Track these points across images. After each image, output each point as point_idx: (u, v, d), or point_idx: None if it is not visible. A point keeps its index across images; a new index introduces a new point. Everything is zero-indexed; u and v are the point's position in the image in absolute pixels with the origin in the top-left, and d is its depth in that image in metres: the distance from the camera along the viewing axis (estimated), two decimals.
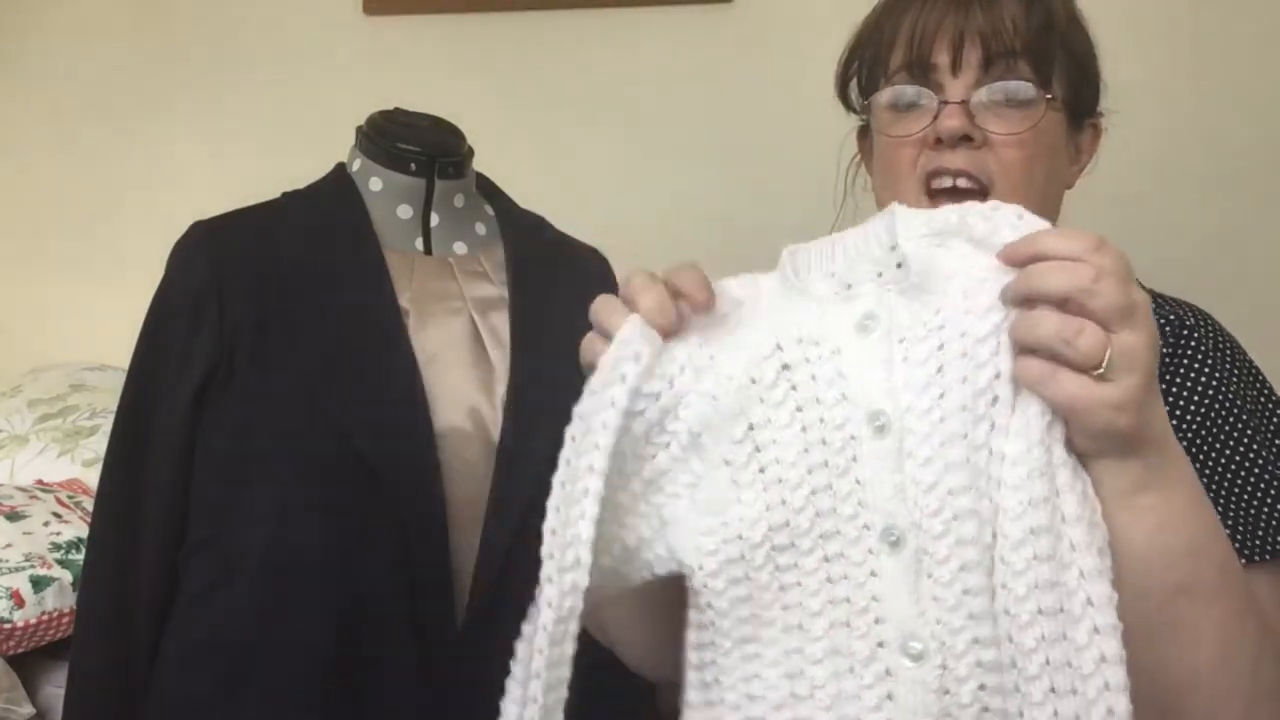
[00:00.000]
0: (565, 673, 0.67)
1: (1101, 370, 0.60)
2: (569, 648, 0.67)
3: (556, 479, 0.69)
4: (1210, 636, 0.66)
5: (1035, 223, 0.64)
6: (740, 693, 0.69)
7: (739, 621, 0.68)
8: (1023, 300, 0.62)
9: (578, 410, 0.68)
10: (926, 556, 0.64)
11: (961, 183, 0.85)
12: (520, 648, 0.70)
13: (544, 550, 0.68)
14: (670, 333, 0.69)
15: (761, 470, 0.68)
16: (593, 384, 0.68)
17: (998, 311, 0.64)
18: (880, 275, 0.68)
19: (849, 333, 0.68)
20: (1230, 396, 0.84)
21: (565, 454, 0.69)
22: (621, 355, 0.68)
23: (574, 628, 0.67)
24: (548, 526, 0.68)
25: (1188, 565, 0.65)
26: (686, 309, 0.69)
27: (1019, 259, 0.62)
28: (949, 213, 0.66)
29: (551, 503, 0.68)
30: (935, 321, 0.65)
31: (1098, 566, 0.61)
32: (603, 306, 0.71)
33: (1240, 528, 0.79)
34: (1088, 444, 0.63)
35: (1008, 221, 0.65)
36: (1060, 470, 0.62)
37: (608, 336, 0.70)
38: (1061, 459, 0.63)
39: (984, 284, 0.64)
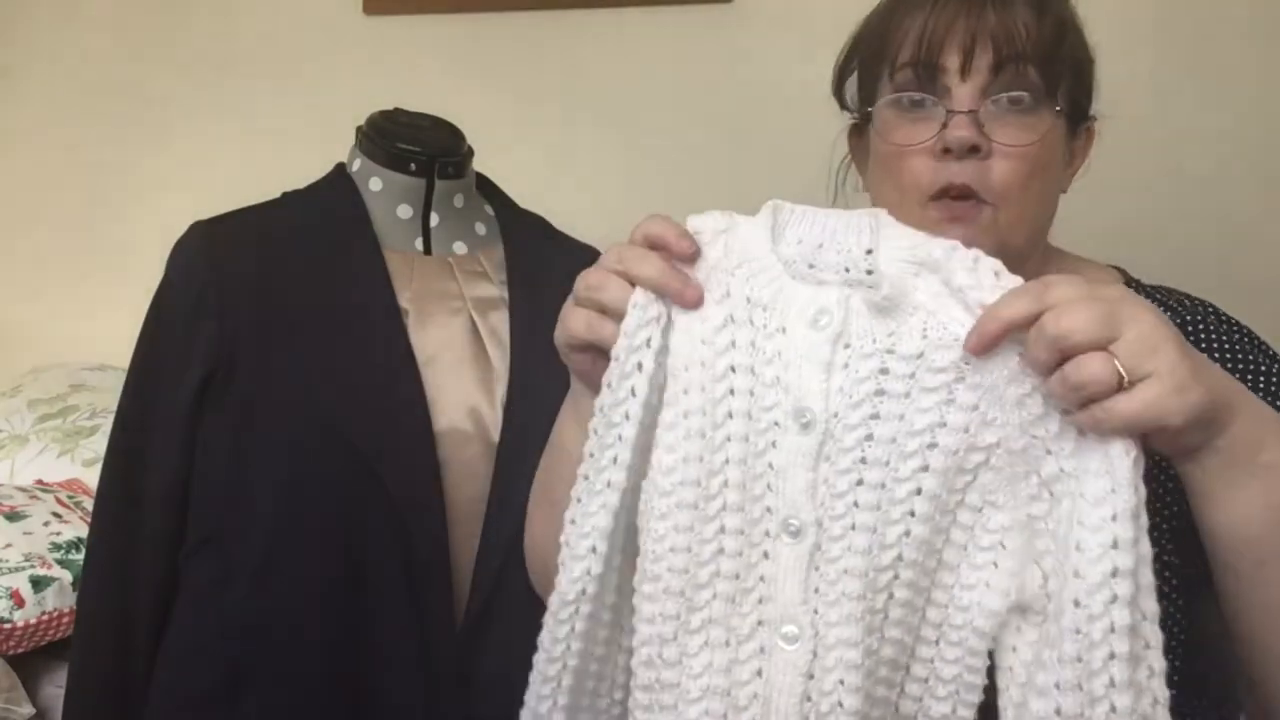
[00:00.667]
0: (573, 663, 0.71)
1: (1129, 380, 0.60)
2: (580, 625, 0.70)
3: (580, 470, 0.70)
4: None
5: (1010, 281, 0.65)
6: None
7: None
8: (1042, 369, 0.62)
9: (599, 403, 0.69)
10: (818, 552, 0.67)
11: (966, 201, 0.84)
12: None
13: (561, 537, 0.70)
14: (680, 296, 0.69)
15: (685, 415, 0.68)
16: (608, 376, 0.69)
17: (952, 371, 0.65)
18: (847, 271, 0.69)
19: (799, 321, 0.68)
20: (1256, 368, 0.84)
21: (588, 447, 0.70)
22: (635, 344, 0.69)
23: (585, 609, 0.70)
24: (567, 515, 0.70)
25: None
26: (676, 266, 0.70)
27: (986, 344, 0.63)
28: (934, 248, 0.67)
29: (574, 493, 0.70)
30: (885, 344, 0.67)
31: (1156, 610, 0.61)
32: (597, 280, 0.70)
33: None
34: (1191, 438, 0.63)
35: (987, 281, 0.65)
36: (1143, 511, 0.62)
37: (598, 308, 0.70)
38: (1143, 496, 0.62)
39: (945, 331, 0.65)
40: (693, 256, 0.69)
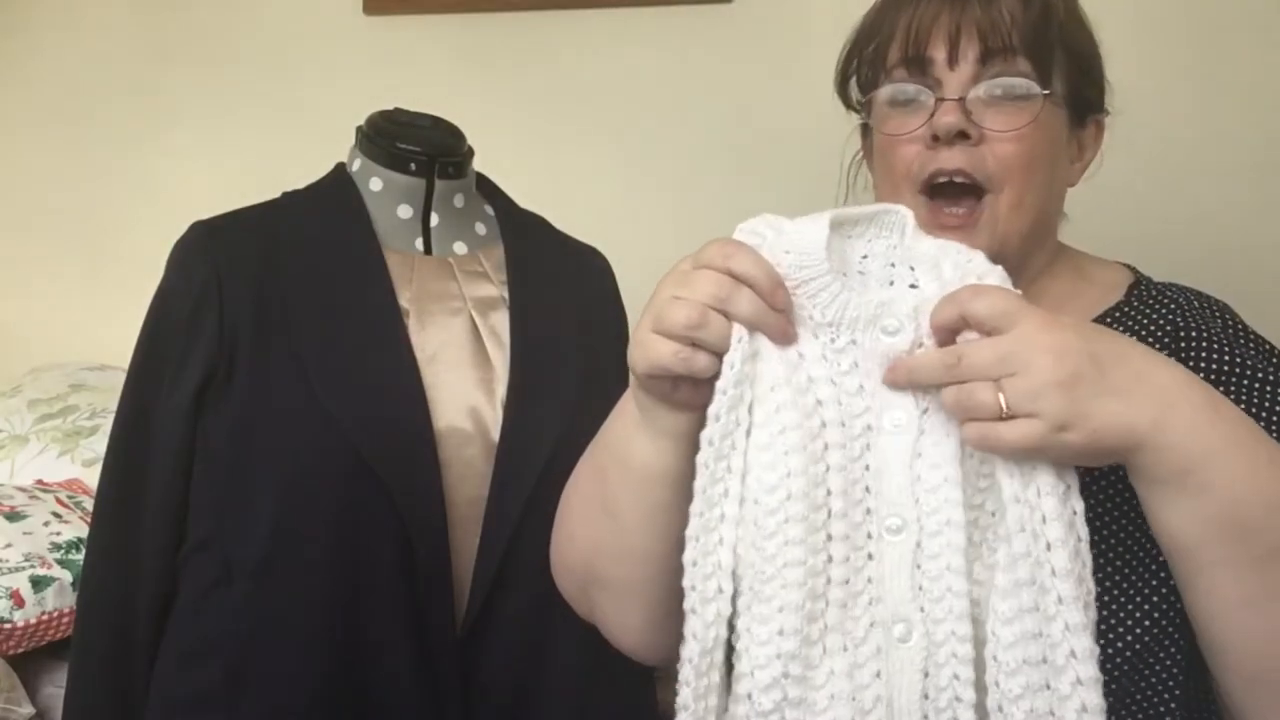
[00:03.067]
0: (714, 701, 0.69)
1: (1007, 412, 0.64)
2: (715, 677, 0.69)
3: (693, 509, 0.70)
4: None
5: (985, 270, 0.69)
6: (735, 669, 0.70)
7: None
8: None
9: (706, 436, 0.69)
10: (919, 549, 0.68)
11: (959, 179, 0.85)
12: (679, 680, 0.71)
13: (685, 581, 0.69)
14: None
15: (782, 432, 0.68)
16: (716, 409, 0.69)
17: None
18: (891, 284, 0.71)
19: (870, 331, 0.70)
20: (1256, 374, 0.83)
21: (700, 483, 0.69)
22: (740, 376, 0.69)
23: (719, 657, 0.69)
24: (687, 558, 0.69)
25: (1261, 525, 0.66)
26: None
27: (938, 339, 0.69)
28: (950, 251, 0.71)
29: (690, 532, 0.69)
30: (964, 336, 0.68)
31: (1083, 620, 0.64)
32: (695, 318, 0.68)
33: None
34: (1092, 463, 0.67)
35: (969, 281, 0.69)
36: (1052, 524, 0.65)
37: (691, 342, 0.69)
38: (1054, 512, 0.65)
39: None
40: (786, 309, 0.70)
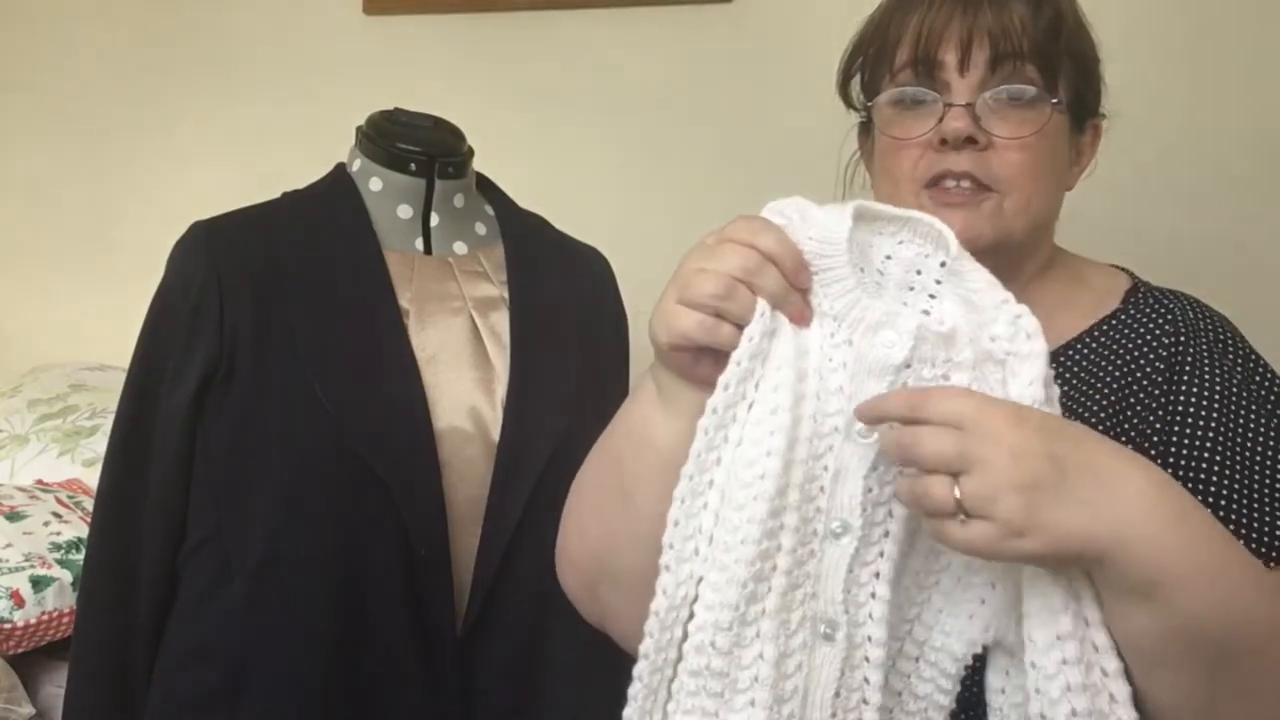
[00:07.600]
0: (673, 655, 0.71)
1: (965, 515, 0.63)
2: (678, 632, 0.71)
3: (685, 470, 0.71)
4: (1269, 683, 0.68)
5: (1028, 345, 0.69)
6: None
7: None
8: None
9: (711, 403, 0.70)
10: (856, 555, 0.70)
11: (965, 184, 0.84)
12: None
13: (665, 539, 0.71)
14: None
15: (774, 412, 0.70)
16: (727, 378, 0.70)
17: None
18: (911, 289, 0.71)
19: (867, 340, 0.70)
20: (1238, 400, 0.83)
21: (696, 446, 0.71)
22: (756, 350, 0.70)
23: (685, 614, 0.70)
24: (671, 516, 0.71)
25: (1217, 638, 0.66)
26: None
27: (866, 421, 0.69)
28: (994, 294, 0.70)
29: (677, 492, 0.71)
30: (943, 369, 0.70)
31: (1118, 666, 0.66)
32: (722, 288, 0.69)
33: (1263, 534, 0.77)
34: (1052, 567, 0.66)
35: (1010, 321, 0.69)
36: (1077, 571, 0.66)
37: (715, 313, 0.70)
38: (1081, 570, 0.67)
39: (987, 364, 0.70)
40: (807, 290, 0.71)
